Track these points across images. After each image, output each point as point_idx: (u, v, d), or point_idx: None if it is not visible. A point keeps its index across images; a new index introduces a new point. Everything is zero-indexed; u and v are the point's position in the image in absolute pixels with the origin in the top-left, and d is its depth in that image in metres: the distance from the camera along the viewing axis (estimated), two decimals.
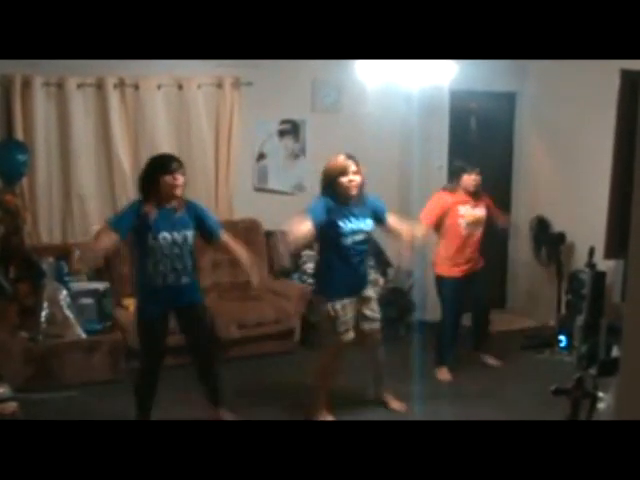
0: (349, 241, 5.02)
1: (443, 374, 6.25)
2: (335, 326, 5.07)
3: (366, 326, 5.29)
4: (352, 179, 4.99)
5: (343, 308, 5.08)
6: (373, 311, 5.33)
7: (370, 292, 5.36)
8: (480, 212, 6.21)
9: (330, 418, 5.32)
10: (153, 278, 4.79)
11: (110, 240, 4.69)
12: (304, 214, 4.86)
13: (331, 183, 5.02)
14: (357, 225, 5.04)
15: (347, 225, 4.99)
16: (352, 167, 5.00)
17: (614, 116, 5.66)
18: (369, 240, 5.24)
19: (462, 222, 6.09)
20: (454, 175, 6.21)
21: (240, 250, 5.15)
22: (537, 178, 7.89)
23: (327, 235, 5.02)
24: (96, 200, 6.89)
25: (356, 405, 5.59)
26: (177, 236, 4.78)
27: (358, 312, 5.23)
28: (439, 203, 6.15)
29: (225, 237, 5.10)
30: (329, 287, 5.17)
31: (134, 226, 4.72)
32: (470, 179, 6.13)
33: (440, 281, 6.27)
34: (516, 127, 8.12)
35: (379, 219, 5.21)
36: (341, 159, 5.06)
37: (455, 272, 6.16)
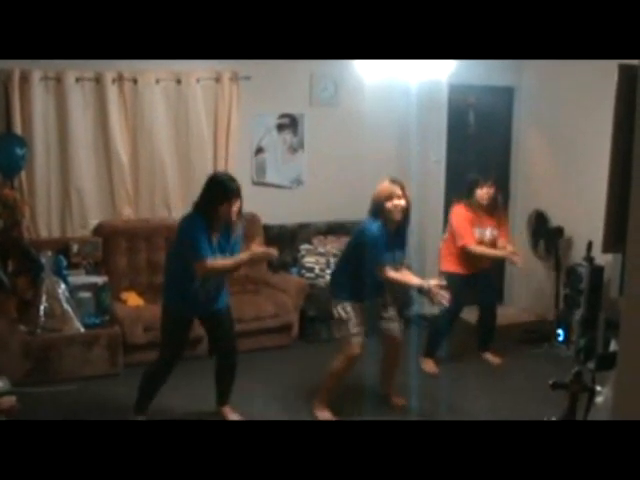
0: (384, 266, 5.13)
1: (429, 366, 6.30)
2: (348, 327, 5.19)
3: (384, 326, 5.40)
4: (397, 204, 5.10)
5: (355, 310, 5.19)
6: (388, 313, 5.42)
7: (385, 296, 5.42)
8: (490, 235, 6.25)
9: (330, 417, 5.35)
10: (195, 290, 4.83)
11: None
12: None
13: (379, 208, 5.14)
14: (394, 255, 5.20)
15: (390, 257, 5.14)
16: (397, 191, 5.10)
17: (612, 110, 5.66)
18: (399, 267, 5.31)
19: (481, 243, 6.19)
20: (469, 189, 6.18)
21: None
22: (535, 172, 7.89)
23: (367, 256, 5.13)
24: (94, 194, 6.88)
25: (356, 404, 5.59)
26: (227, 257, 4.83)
27: (377, 314, 5.35)
28: (467, 221, 6.19)
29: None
30: (344, 290, 5.28)
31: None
32: (483, 192, 6.13)
33: (444, 277, 6.26)
34: (514, 121, 8.13)
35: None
36: (386, 184, 5.17)
37: (459, 269, 6.19)
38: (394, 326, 5.42)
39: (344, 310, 5.19)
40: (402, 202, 5.10)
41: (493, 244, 6.27)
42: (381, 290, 5.33)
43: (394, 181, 5.15)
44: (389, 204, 5.07)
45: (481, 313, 6.57)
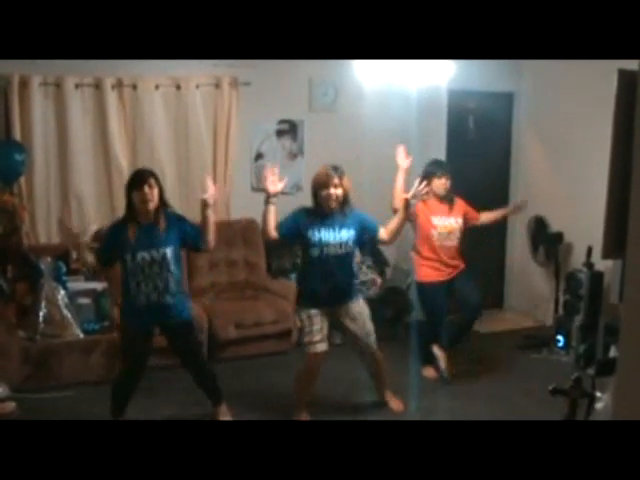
0: (316, 252, 5.03)
1: (429, 372, 6.26)
2: (304, 335, 5.16)
3: (348, 335, 5.30)
4: (331, 192, 5.00)
5: (309, 318, 5.10)
6: (355, 322, 5.22)
7: (353, 303, 5.24)
8: (454, 222, 6.12)
9: (307, 419, 5.33)
10: (136, 297, 4.78)
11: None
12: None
13: (314, 194, 5.09)
14: (331, 237, 5.04)
15: (316, 236, 5.02)
16: (334, 180, 4.99)
17: (611, 116, 5.66)
18: (349, 254, 5.16)
19: (434, 233, 6.04)
20: (425, 179, 6.03)
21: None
22: (535, 178, 7.90)
23: (300, 245, 5.23)
24: (94, 200, 6.88)
25: (355, 406, 5.59)
26: (156, 255, 4.72)
27: (338, 323, 5.23)
28: (426, 210, 6.09)
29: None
30: (302, 296, 5.23)
31: (116, 246, 4.77)
32: (440, 183, 6.06)
33: (419, 287, 6.22)
34: (514, 127, 8.14)
35: (368, 234, 5.24)
36: (323, 171, 5.07)
37: (433, 277, 6.08)
38: (359, 334, 5.26)
39: (306, 316, 5.11)
40: (338, 191, 5.01)
41: (455, 232, 6.13)
42: (345, 296, 5.20)
43: (335, 168, 5.04)
44: (324, 192, 5.00)
45: (462, 313, 6.25)
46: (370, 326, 5.27)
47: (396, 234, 5.25)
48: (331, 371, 5.73)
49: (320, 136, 7.63)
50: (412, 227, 6.10)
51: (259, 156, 7.50)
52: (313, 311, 5.09)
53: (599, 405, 3.40)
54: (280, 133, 7.58)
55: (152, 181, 4.72)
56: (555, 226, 7.20)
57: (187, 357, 5.12)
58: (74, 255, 6.51)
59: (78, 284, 6.32)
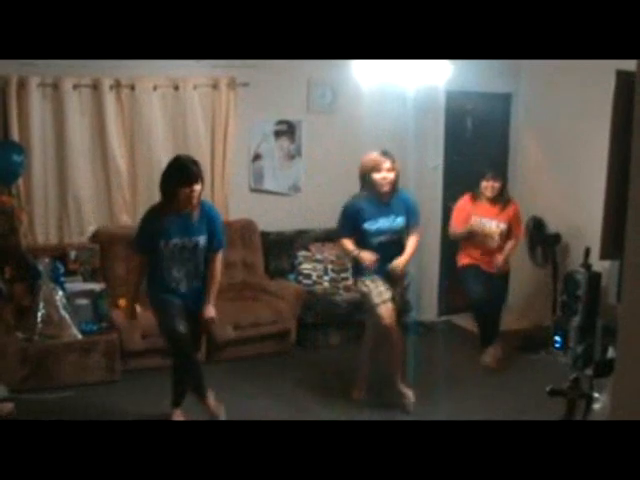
0: (376, 241, 5.27)
1: (491, 355, 6.41)
2: (370, 298, 5.27)
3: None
4: (385, 176, 5.15)
5: (374, 281, 5.27)
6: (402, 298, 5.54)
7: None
8: (495, 226, 6.35)
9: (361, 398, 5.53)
10: (165, 283, 4.83)
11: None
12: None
13: (363, 178, 5.22)
14: (385, 224, 5.28)
15: (374, 226, 5.25)
16: (387, 163, 5.15)
17: (609, 117, 5.68)
18: (402, 237, 5.40)
19: (480, 232, 6.30)
20: (477, 181, 6.36)
21: (213, 282, 5.00)
22: (533, 179, 7.89)
23: (357, 235, 5.32)
24: (92, 201, 6.88)
25: (353, 405, 5.59)
26: (188, 242, 4.79)
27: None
28: (460, 215, 6.42)
29: (218, 257, 5.02)
30: (357, 267, 5.42)
31: (152, 234, 4.78)
32: (487, 185, 6.23)
33: (461, 271, 6.48)
34: (512, 128, 8.13)
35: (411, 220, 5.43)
36: (373, 155, 5.21)
37: (472, 260, 6.38)
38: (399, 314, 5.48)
39: (363, 284, 5.32)
40: (391, 175, 5.15)
41: (503, 238, 6.38)
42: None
43: (385, 153, 5.20)
44: (377, 175, 5.13)
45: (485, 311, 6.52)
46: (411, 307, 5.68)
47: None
48: (332, 371, 5.74)
49: (318, 137, 7.63)
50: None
51: (257, 157, 7.50)
52: (376, 276, 5.29)
53: (597, 406, 3.41)
54: (278, 134, 7.57)
55: (201, 177, 4.78)
56: (553, 227, 7.20)
57: (195, 346, 5.17)
58: (72, 256, 6.50)
59: (76, 285, 6.32)
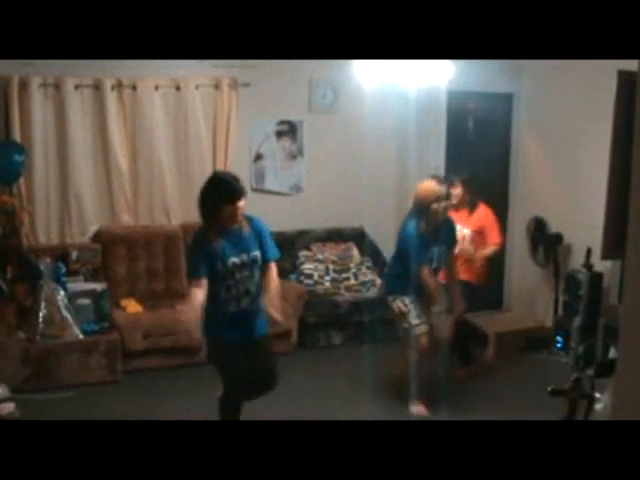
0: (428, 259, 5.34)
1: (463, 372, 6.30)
2: (409, 319, 5.36)
3: (435, 319, 5.54)
4: (444, 206, 5.29)
5: (413, 302, 5.36)
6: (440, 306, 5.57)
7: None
8: (463, 231, 6.13)
9: (423, 411, 5.49)
10: (225, 305, 4.52)
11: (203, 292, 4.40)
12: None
13: (424, 207, 5.26)
14: (434, 251, 5.38)
15: (427, 254, 5.32)
16: (445, 192, 5.28)
17: (611, 117, 5.67)
18: (442, 264, 5.50)
19: None
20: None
21: (273, 286, 4.68)
22: (534, 179, 7.89)
23: (411, 251, 5.31)
24: (93, 201, 6.88)
25: (351, 405, 5.59)
26: (246, 258, 4.51)
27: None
28: None
29: (273, 267, 4.72)
30: (400, 284, 5.44)
31: (206, 257, 4.43)
32: (455, 192, 6.06)
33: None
34: (513, 128, 8.12)
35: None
36: (434, 183, 5.28)
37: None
38: (439, 320, 5.55)
39: (402, 303, 5.36)
40: (448, 203, 5.31)
41: (475, 244, 6.19)
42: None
43: (441, 181, 5.30)
44: (436, 205, 5.19)
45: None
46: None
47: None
48: (334, 371, 5.73)
49: (320, 137, 7.63)
50: None
51: (259, 157, 7.50)
52: (412, 297, 5.38)
53: (598, 406, 3.41)
54: (280, 134, 7.58)
55: (244, 192, 4.50)
56: (555, 227, 7.19)
57: (265, 372, 4.75)
58: (74, 256, 6.50)
59: (78, 285, 6.32)
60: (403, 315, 5.38)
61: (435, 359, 5.63)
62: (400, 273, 5.45)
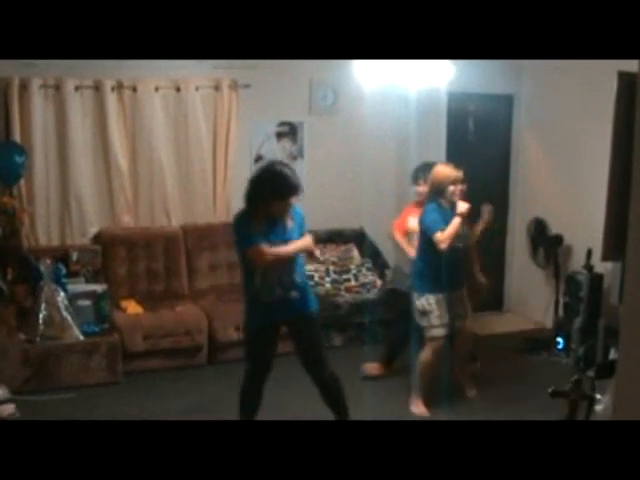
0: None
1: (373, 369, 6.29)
2: (430, 319, 5.40)
3: (459, 323, 5.63)
4: (460, 188, 5.40)
5: (439, 302, 5.41)
6: (464, 306, 5.66)
7: (463, 289, 5.66)
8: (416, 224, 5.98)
9: (425, 413, 5.54)
10: (262, 292, 4.49)
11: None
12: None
13: (441, 189, 5.37)
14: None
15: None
16: (461, 176, 5.38)
17: (611, 118, 5.66)
18: (466, 241, 5.51)
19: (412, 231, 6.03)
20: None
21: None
22: (535, 180, 7.89)
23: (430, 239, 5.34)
24: (94, 202, 6.88)
25: (352, 405, 5.59)
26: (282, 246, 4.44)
27: (450, 305, 5.50)
28: (403, 218, 6.22)
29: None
30: (425, 282, 5.48)
31: (249, 236, 4.39)
32: (418, 190, 6.04)
33: None
34: (514, 129, 8.13)
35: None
36: (449, 168, 5.41)
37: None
38: (462, 324, 5.66)
39: (427, 302, 5.40)
40: (464, 186, 5.40)
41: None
42: (458, 284, 5.56)
43: (456, 165, 5.41)
44: (452, 188, 5.33)
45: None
46: (469, 309, 5.74)
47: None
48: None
49: (320, 138, 7.63)
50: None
51: (259, 158, 7.50)
52: (439, 295, 5.42)
53: (599, 407, 3.40)
54: (280, 135, 7.58)
55: (301, 188, 4.51)
56: (555, 228, 7.20)
57: (310, 357, 4.77)
58: (74, 257, 6.50)
59: (78, 286, 6.31)
60: (425, 314, 5.44)
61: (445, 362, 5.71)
62: (425, 269, 5.49)
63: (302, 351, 4.78)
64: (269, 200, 4.37)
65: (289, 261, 4.49)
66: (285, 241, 4.45)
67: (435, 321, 5.41)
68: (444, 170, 5.42)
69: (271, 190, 4.39)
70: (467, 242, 5.53)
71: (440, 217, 5.32)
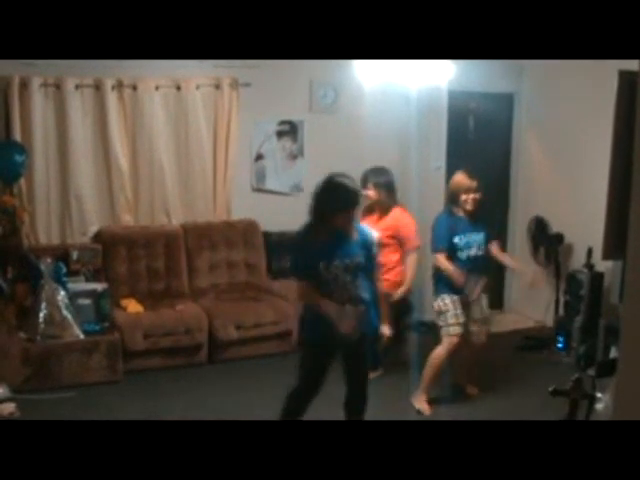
0: (464, 255, 5.48)
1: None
2: (446, 318, 5.50)
3: (474, 327, 5.72)
4: (474, 197, 5.46)
5: (454, 302, 5.50)
6: (482, 309, 5.80)
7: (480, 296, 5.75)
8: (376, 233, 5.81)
9: (427, 409, 5.61)
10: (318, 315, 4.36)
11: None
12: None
13: (456, 198, 5.50)
14: (471, 239, 5.51)
15: (462, 240, 5.47)
16: (475, 185, 5.46)
17: (612, 117, 5.67)
18: (482, 251, 5.58)
19: None
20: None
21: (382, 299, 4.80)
22: (535, 179, 7.89)
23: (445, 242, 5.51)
24: (94, 201, 6.87)
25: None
26: (349, 263, 4.35)
27: (467, 312, 5.60)
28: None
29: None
30: (441, 284, 5.58)
31: (310, 254, 4.35)
32: (366, 195, 5.88)
33: None
34: (514, 128, 8.13)
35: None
36: (464, 176, 5.49)
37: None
38: (478, 329, 5.75)
39: (443, 302, 5.51)
40: (477, 195, 5.44)
41: (386, 249, 5.84)
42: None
43: (472, 176, 5.46)
44: (465, 196, 5.42)
45: None
46: (488, 315, 5.96)
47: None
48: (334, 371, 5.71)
49: (320, 137, 7.63)
50: None
51: (259, 157, 7.50)
52: (452, 297, 5.50)
53: (599, 406, 3.40)
54: (280, 134, 7.57)
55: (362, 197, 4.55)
56: (555, 227, 7.20)
57: (355, 372, 4.67)
58: (74, 256, 6.50)
59: (78, 285, 6.31)
60: (441, 313, 5.53)
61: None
62: (440, 272, 5.56)
63: (353, 368, 4.67)
64: (333, 213, 4.32)
65: (356, 278, 4.40)
66: (348, 256, 4.37)
67: (451, 320, 5.49)
68: (458, 178, 5.52)
69: (333, 203, 4.33)
70: (486, 250, 5.62)
71: (447, 230, 5.45)
